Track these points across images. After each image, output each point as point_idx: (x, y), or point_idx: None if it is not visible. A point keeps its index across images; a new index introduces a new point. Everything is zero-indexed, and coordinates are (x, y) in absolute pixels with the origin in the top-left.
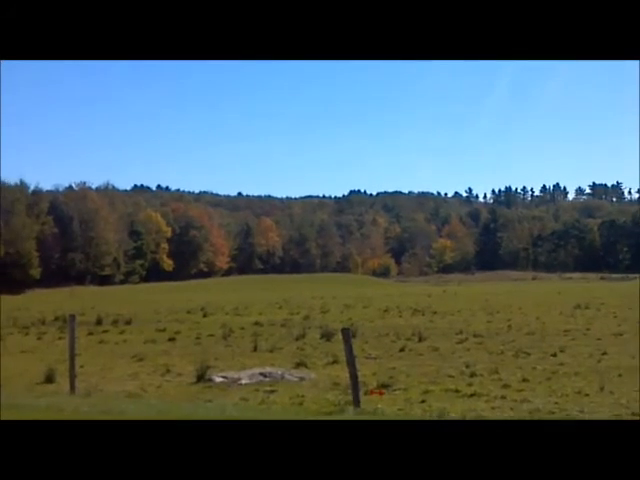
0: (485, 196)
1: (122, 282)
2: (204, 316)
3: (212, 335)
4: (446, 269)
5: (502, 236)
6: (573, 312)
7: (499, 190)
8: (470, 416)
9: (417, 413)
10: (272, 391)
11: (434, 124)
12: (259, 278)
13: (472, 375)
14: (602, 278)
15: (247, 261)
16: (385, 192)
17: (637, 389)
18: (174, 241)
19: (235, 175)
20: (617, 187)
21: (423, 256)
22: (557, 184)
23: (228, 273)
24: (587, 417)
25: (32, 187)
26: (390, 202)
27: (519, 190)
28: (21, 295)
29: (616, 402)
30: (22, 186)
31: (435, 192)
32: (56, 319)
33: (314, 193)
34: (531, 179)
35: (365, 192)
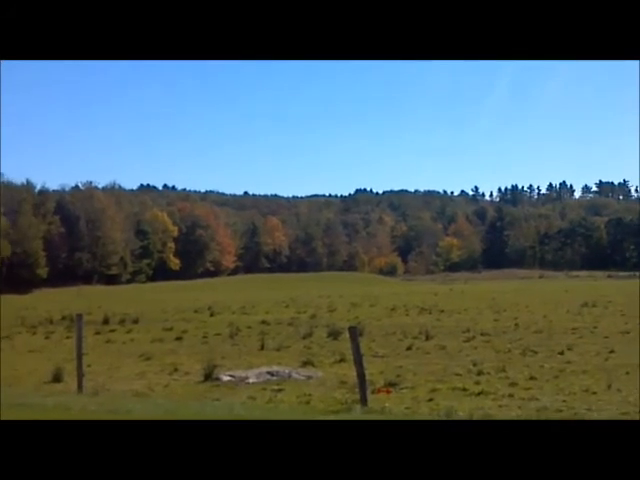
0: (491, 194)
1: (129, 281)
2: (211, 315)
3: (219, 334)
4: (453, 267)
5: (509, 234)
6: (580, 310)
7: (505, 188)
8: (477, 414)
9: (424, 412)
10: (279, 390)
11: (438, 124)
12: (266, 277)
13: (479, 373)
14: (609, 276)
15: (254, 260)
16: (391, 191)
17: None
18: (180, 240)
19: (241, 174)
20: (624, 185)
21: (430, 255)
22: (563, 182)
23: (235, 272)
24: (595, 415)
25: (38, 187)
26: (396, 201)
27: (525, 188)
28: (28, 294)
29: (624, 400)
30: (28, 186)
31: (441, 190)
32: (63, 318)
33: (320, 192)
34: (537, 177)
35: (371, 191)
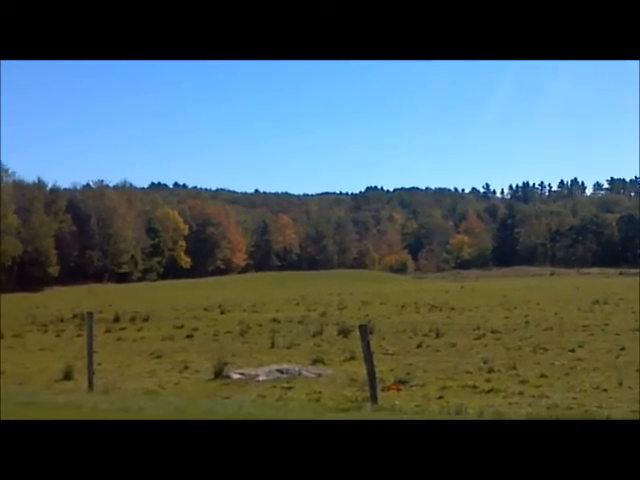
0: (502, 192)
1: (140, 279)
2: (221, 313)
3: (229, 332)
4: (463, 265)
5: (520, 232)
6: (591, 307)
7: (516, 185)
8: (488, 412)
9: (434, 409)
10: (289, 388)
11: (446, 122)
12: (276, 275)
13: (490, 371)
14: (621, 273)
15: (264, 258)
16: (402, 188)
17: None
18: (191, 238)
19: (252, 172)
20: (635, 182)
21: (440, 252)
22: (575, 179)
23: (245, 270)
24: (605, 412)
25: (50, 185)
26: (407, 198)
27: (537, 185)
28: (40, 293)
29: (635, 397)
30: (40, 184)
31: (452, 188)
32: (74, 317)
33: (331, 190)
34: (549, 174)
35: (382, 188)
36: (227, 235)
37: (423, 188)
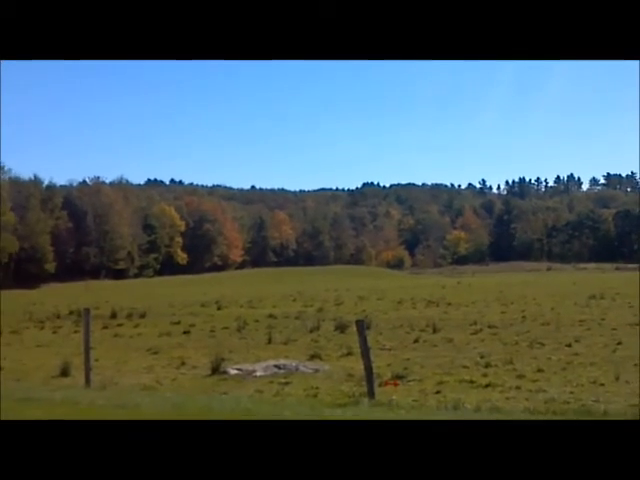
0: (499, 187)
1: (136, 276)
2: (218, 309)
3: (226, 328)
4: (460, 260)
5: (516, 227)
6: (588, 302)
7: (513, 181)
8: (485, 407)
9: (432, 404)
10: (287, 383)
11: (444, 118)
12: (273, 271)
13: (487, 366)
14: (617, 268)
15: (261, 254)
16: (398, 184)
17: None
18: (188, 235)
19: (248, 169)
20: (632, 177)
21: (437, 248)
22: (571, 175)
23: (242, 266)
24: (602, 407)
25: (46, 182)
26: (403, 194)
27: (533, 181)
28: (36, 289)
29: (632, 392)
30: (36, 181)
31: (449, 184)
32: (71, 313)
33: (327, 186)
34: (545, 170)
35: (378, 184)
36: (223, 231)
37: (419, 184)
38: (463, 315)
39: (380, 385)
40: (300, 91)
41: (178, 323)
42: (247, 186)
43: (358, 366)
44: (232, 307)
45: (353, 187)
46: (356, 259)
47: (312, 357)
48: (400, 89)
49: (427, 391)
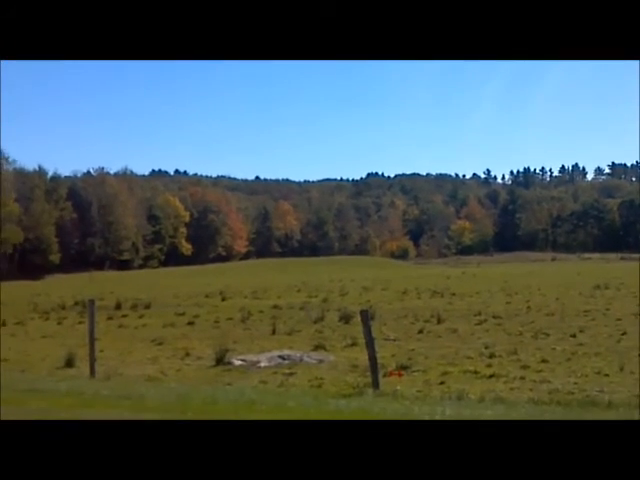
0: (503, 177)
1: (141, 267)
2: (223, 300)
3: (231, 319)
4: (465, 251)
5: (521, 217)
6: (593, 292)
7: (517, 171)
8: (489, 397)
9: (436, 395)
10: (291, 374)
11: (445, 110)
12: (277, 261)
13: (491, 356)
14: (622, 258)
15: (265, 245)
16: (403, 174)
17: None
18: (192, 225)
19: (252, 159)
20: (637, 167)
21: (441, 238)
22: (576, 164)
23: (246, 257)
24: (607, 397)
25: (51, 173)
26: (408, 184)
27: (538, 171)
28: (41, 280)
29: (636, 382)
30: (41, 172)
31: (453, 174)
32: (76, 304)
33: (332, 176)
34: (550, 160)
35: (383, 174)
36: (228, 222)
37: (424, 174)
38: (467, 305)
39: (384, 375)
40: (304, 83)
41: (182, 314)
42: (251, 177)
43: (362, 357)
44: (236, 298)
45: (357, 177)
46: (361, 249)
47: (316, 348)
48: (402, 81)
49: (431, 381)
